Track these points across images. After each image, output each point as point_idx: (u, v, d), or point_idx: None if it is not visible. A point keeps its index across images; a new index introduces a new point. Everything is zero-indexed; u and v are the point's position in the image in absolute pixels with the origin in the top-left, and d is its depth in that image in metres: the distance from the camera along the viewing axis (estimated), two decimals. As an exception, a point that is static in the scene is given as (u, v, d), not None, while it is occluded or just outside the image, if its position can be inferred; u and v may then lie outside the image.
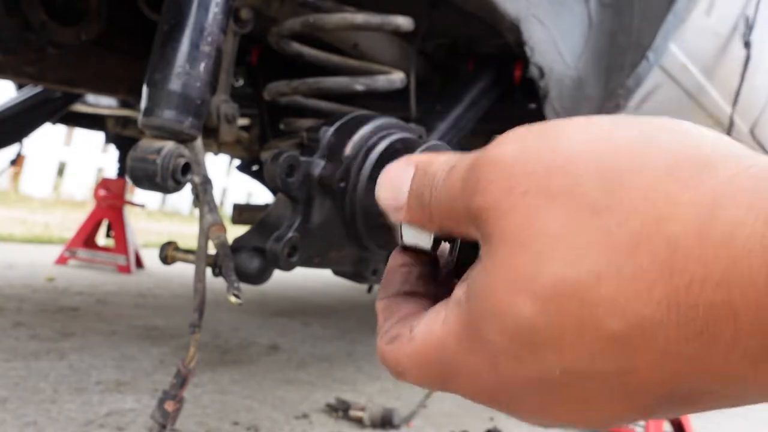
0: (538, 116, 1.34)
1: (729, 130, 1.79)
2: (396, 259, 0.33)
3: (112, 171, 3.84)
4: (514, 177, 0.24)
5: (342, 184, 0.97)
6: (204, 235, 0.89)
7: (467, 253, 0.31)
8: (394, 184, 0.29)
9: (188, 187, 0.89)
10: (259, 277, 0.93)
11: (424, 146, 0.99)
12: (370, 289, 3.05)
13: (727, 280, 0.19)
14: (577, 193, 0.22)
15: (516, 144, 0.25)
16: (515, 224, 0.23)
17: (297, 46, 1.15)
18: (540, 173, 0.23)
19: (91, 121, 2.75)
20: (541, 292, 0.22)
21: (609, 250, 0.21)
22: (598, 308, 0.21)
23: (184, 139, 0.85)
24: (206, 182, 0.90)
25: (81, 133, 7.00)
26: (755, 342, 0.19)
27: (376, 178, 1.08)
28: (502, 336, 0.23)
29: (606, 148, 0.23)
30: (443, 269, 0.34)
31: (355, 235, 1.00)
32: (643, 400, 0.22)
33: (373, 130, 1.00)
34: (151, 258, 3.71)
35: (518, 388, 0.24)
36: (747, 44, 1.54)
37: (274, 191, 1.41)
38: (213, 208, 0.91)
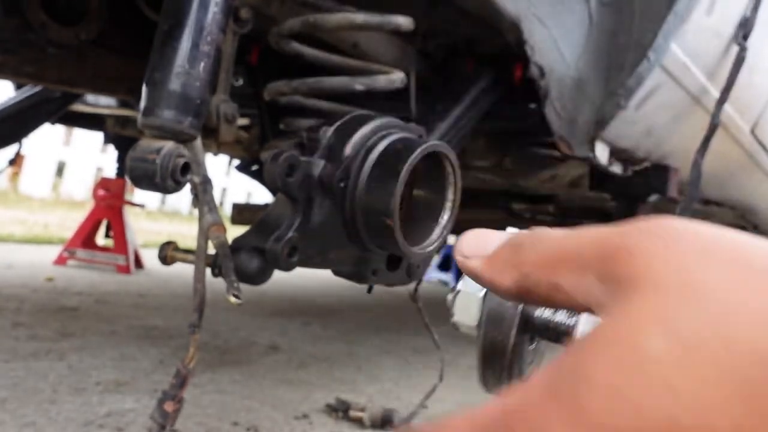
0: (538, 116, 1.34)
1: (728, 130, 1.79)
2: None
3: (111, 171, 3.84)
4: (664, 234, 0.22)
5: (342, 184, 0.97)
6: (204, 235, 0.89)
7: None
8: (482, 234, 0.28)
9: (188, 187, 0.89)
10: (259, 277, 0.93)
11: (424, 146, 0.98)
12: (370, 289, 3.04)
13: None
14: (742, 258, 0.21)
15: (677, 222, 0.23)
16: (659, 270, 0.21)
17: (297, 46, 1.15)
18: (698, 239, 0.22)
19: (91, 121, 2.74)
20: (684, 332, 0.20)
21: (756, 303, 0.20)
22: (735, 353, 0.19)
23: (183, 139, 0.85)
24: (206, 182, 0.90)
25: (80, 133, 7.01)
26: None
27: (376, 178, 1.08)
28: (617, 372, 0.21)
29: None
30: None
31: (355, 235, 1.00)
32: None
33: (373, 130, 1.00)
34: (150, 258, 3.71)
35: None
36: (741, 44, 1.54)
37: (273, 191, 1.41)
38: (213, 208, 0.91)
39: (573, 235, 0.24)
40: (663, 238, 0.22)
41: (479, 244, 0.27)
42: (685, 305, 0.20)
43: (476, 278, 0.28)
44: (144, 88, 0.85)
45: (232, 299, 0.84)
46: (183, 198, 8.40)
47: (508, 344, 0.32)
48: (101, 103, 2.61)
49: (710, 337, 0.20)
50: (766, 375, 0.19)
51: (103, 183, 3.64)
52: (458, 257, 0.28)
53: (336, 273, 1.15)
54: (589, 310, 0.24)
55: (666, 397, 0.20)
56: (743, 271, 0.20)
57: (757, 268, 0.20)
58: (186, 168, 0.85)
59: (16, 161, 2.59)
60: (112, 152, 4.49)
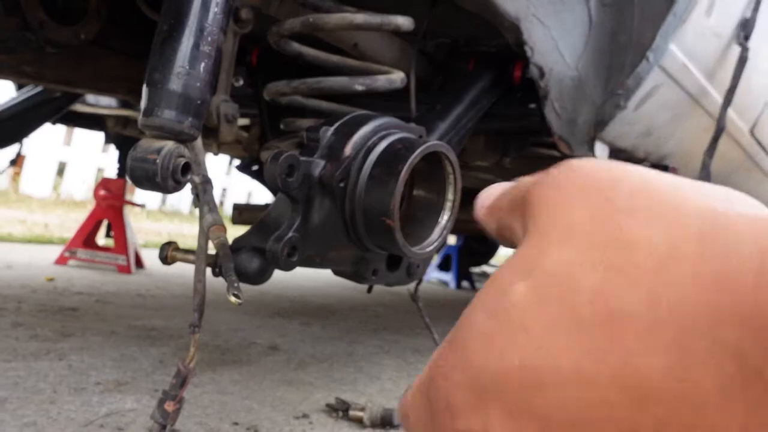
0: (538, 116, 1.34)
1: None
2: None
3: (112, 171, 3.84)
4: (568, 179, 0.24)
5: (342, 184, 0.97)
6: (204, 235, 0.89)
7: None
8: (492, 190, 0.30)
9: (188, 187, 0.89)
10: (259, 277, 0.93)
11: (424, 146, 0.99)
12: (370, 289, 3.04)
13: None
14: (609, 197, 0.22)
15: (590, 161, 0.25)
16: (542, 217, 0.24)
17: (297, 46, 1.15)
18: (579, 178, 0.24)
19: (91, 121, 2.75)
20: (537, 275, 0.22)
21: (613, 244, 0.21)
22: (578, 296, 0.21)
23: (184, 139, 0.85)
24: (206, 182, 0.90)
25: (81, 133, 7.01)
26: None
27: (376, 178, 1.08)
28: (489, 317, 0.23)
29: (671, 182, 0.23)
30: None
31: (355, 235, 1.00)
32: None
33: (373, 130, 1.00)
34: (151, 258, 3.72)
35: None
36: (742, 45, 1.54)
37: (274, 191, 1.41)
38: (213, 208, 0.91)
39: (525, 180, 0.27)
40: (555, 183, 0.24)
41: (490, 195, 0.30)
42: (548, 249, 0.22)
43: (482, 225, 0.30)
44: (144, 88, 0.85)
45: (233, 299, 0.84)
46: (183, 198, 8.40)
47: None
48: (102, 103, 2.61)
49: (560, 280, 0.21)
50: (602, 317, 0.20)
51: (103, 183, 3.64)
52: (476, 209, 0.30)
53: (336, 273, 1.16)
54: None
55: (521, 339, 0.22)
56: (609, 210, 0.22)
57: (621, 206, 0.22)
58: (186, 168, 0.85)
59: (16, 161, 2.60)
60: (112, 152, 4.50)
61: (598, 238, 0.22)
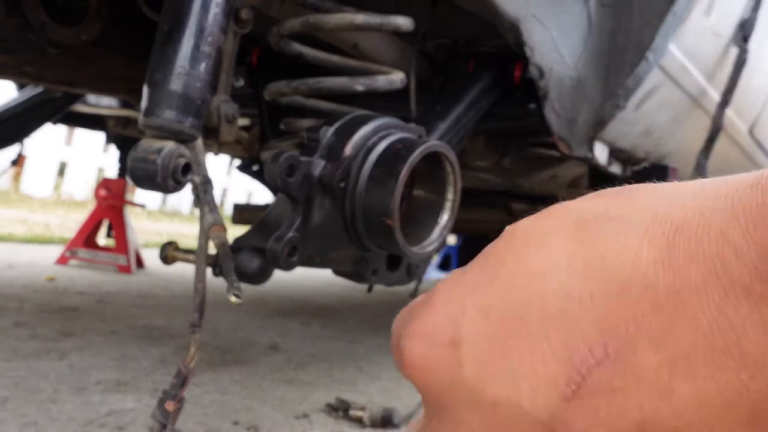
0: (538, 116, 1.34)
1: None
2: None
3: (112, 171, 3.84)
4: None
5: (342, 184, 0.97)
6: (204, 235, 0.89)
7: None
8: None
9: (189, 187, 0.89)
10: (259, 276, 0.93)
11: (423, 146, 0.99)
12: (370, 289, 3.05)
13: None
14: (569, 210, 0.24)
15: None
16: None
17: (297, 46, 1.16)
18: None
19: (92, 122, 2.75)
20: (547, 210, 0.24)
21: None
22: (582, 211, 0.22)
23: (184, 139, 0.85)
24: (206, 182, 0.91)
25: (81, 133, 7.01)
26: None
27: (376, 178, 1.08)
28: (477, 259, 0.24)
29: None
30: None
31: (355, 235, 1.01)
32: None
33: (373, 130, 1.01)
34: (151, 258, 3.72)
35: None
36: (741, 46, 1.54)
37: (274, 191, 1.41)
38: (213, 208, 0.91)
39: None
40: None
41: None
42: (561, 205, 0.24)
43: None
44: (145, 89, 0.85)
45: (233, 299, 0.84)
46: (184, 198, 8.40)
47: None
48: (103, 103, 2.61)
49: (561, 207, 0.23)
50: (594, 219, 0.21)
51: (104, 183, 3.65)
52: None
53: (336, 273, 1.16)
54: None
55: (514, 246, 0.23)
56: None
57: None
58: (187, 168, 0.85)
59: (17, 161, 2.60)
60: (113, 152, 4.50)
61: (613, 194, 0.23)
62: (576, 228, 0.21)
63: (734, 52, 1.58)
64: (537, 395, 0.20)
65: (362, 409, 1.54)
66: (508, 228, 0.24)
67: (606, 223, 0.21)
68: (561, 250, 0.21)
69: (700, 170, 1.55)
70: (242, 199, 8.40)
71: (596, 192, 0.23)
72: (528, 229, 0.23)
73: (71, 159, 7.57)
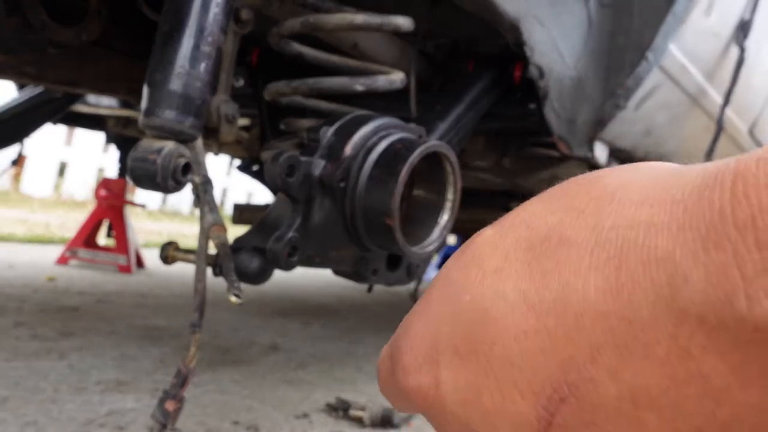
0: (538, 116, 1.34)
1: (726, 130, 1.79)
2: None
3: (112, 171, 3.84)
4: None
5: (342, 184, 0.97)
6: (204, 235, 0.89)
7: None
8: None
9: (189, 187, 0.89)
10: (260, 276, 0.94)
11: (423, 146, 0.99)
12: (370, 289, 3.05)
13: None
14: (584, 181, 0.23)
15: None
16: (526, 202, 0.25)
17: (297, 46, 1.16)
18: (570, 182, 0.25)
19: (92, 122, 2.75)
20: (503, 222, 0.24)
21: (578, 196, 0.22)
22: (534, 232, 0.22)
23: (184, 139, 0.85)
24: (207, 182, 0.91)
25: (82, 133, 7.01)
26: None
27: (376, 178, 1.08)
28: (451, 262, 0.25)
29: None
30: None
31: (355, 235, 1.01)
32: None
33: (373, 130, 1.01)
34: (151, 258, 3.72)
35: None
36: (740, 46, 1.55)
37: (274, 191, 1.41)
38: (213, 208, 0.91)
39: None
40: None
41: None
42: (519, 208, 0.24)
43: None
44: (145, 89, 0.85)
45: (233, 299, 0.84)
46: (184, 198, 8.40)
47: None
48: (103, 103, 2.61)
49: (522, 223, 0.23)
50: (552, 246, 0.21)
51: (104, 183, 3.65)
52: None
53: (336, 273, 1.16)
54: None
55: (474, 275, 0.23)
56: (580, 182, 0.23)
57: (593, 179, 0.23)
58: (187, 168, 0.85)
59: (18, 161, 2.60)
60: (113, 152, 4.50)
61: (567, 195, 0.22)
62: (527, 257, 0.21)
63: (734, 52, 1.58)
64: None
65: (362, 409, 1.54)
66: (467, 251, 0.24)
67: (555, 250, 0.20)
68: (515, 288, 0.21)
69: None
70: (242, 199, 8.40)
71: (554, 190, 0.23)
72: (483, 262, 0.23)
73: (71, 159, 7.57)
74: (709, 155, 1.57)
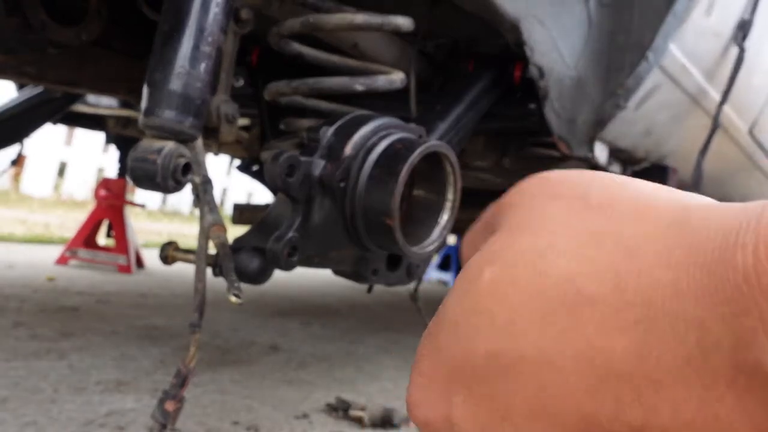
0: (538, 116, 1.34)
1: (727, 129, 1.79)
2: None
3: (112, 171, 3.84)
4: (541, 185, 0.25)
5: (342, 184, 0.97)
6: (204, 235, 0.89)
7: None
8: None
9: (189, 187, 0.89)
10: (259, 276, 0.93)
11: (423, 146, 0.99)
12: (370, 289, 3.05)
13: None
14: (582, 196, 0.23)
15: (559, 171, 0.26)
16: (514, 215, 0.24)
17: (297, 46, 1.15)
18: (552, 184, 0.24)
19: (92, 122, 2.75)
20: (506, 260, 0.23)
21: (583, 234, 0.21)
22: (545, 280, 0.21)
23: (184, 139, 0.85)
24: (206, 182, 0.91)
25: (81, 133, 7.01)
26: None
27: (376, 178, 1.08)
28: (458, 304, 0.24)
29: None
30: None
31: (355, 235, 1.01)
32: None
33: (373, 130, 1.01)
34: (151, 258, 3.72)
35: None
36: (740, 46, 1.54)
37: (274, 191, 1.41)
38: (213, 208, 0.91)
39: (496, 201, 0.28)
40: (527, 189, 0.25)
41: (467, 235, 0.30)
42: (519, 237, 0.23)
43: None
44: (145, 89, 0.85)
45: (233, 299, 0.84)
46: (184, 198, 8.40)
47: None
48: (103, 103, 2.61)
49: (528, 265, 0.22)
50: (569, 300, 0.20)
51: (104, 183, 3.65)
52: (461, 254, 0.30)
53: (336, 273, 1.16)
54: None
55: (486, 325, 0.22)
56: (581, 207, 0.22)
57: (594, 204, 0.22)
58: (187, 168, 0.85)
59: (17, 161, 2.60)
60: (113, 152, 4.50)
61: (569, 229, 0.22)
62: (542, 311, 0.21)
63: (734, 52, 1.58)
64: None
65: (362, 409, 1.54)
66: (468, 288, 0.23)
67: (574, 307, 0.20)
68: (533, 345, 0.21)
69: (697, 169, 1.55)
70: (242, 199, 8.40)
71: (539, 215, 0.23)
72: (491, 304, 0.22)
73: (71, 159, 7.57)
74: (703, 153, 1.57)
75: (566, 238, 0.22)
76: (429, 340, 0.25)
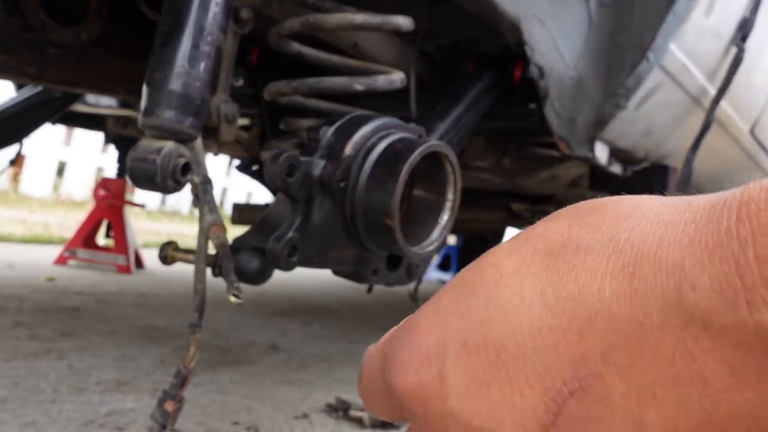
0: (538, 116, 1.34)
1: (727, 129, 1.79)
2: None
3: (111, 171, 3.84)
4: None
5: (342, 184, 0.97)
6: (204, 235, 0.89)
7: None
8: None
9: (188, 187, 0.89)
10: (259, 277, 0.93)
11: (423, 146, 0.99)
12: (370, 289, 3.05)
13: None
14: (597, 205, 0.24)
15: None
16: (539, 223, 0.26)
17: (297, 46, 1.15)
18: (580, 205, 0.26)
19: (91, 121, 2.75)
20: (519, 236, 0.25)
21: (593, 214, 0.23)
22: (551, 241, 0.23)
23: (184, 139, 0.85)
24: (206, 182, 0.91)
25: (81, 133, 7.01)
26: None
27: (376, 178, 1.08)
28: (468, 271, 0.26)
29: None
30: None
31: (355, 235, 1.00)
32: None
33: (373, 130, 1.01)
34: (151, 258, 3.72)
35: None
36: (738, 45, 1.54)
37: (274, 191, 1.41)
38: (213, 208, 0.91)
39: None
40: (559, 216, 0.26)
41: None
42: (535, 225, 0.25)
43: None
44: (144, 89, 0.85)
45: (233, 299, 0.84)
46: (183, 198, 8.40)
47: None
48: (102, 103, 2.61)
49: (538, 236, 0.24)
50: (569, 251, 0.22)
51: (103, 183, 3.64)
52: None
53: (336, 273, 1.16)
54: None
55: (490, 275, 0.24)
56: (594, 204, 0.24)
57: (608, 205, 0.24)
58: (186, 168, 0.85)
59: (16, 161, 2.59)
60: (112, 152, 4.50)
61: (581, 215, 0.24)
62: (544, 261, 0.23)
63: (735, 52, 1.58)
64: (518, 426, 0.21)
65: (362, 409, 1.54)
66: (483, 259, 0.25)
67: (572, 255, 0.22)
68: (532, 288, 0.22)
69: (686, 166, 1.55)
70: (242, 199, 8.40)
71: (567, 210, 0.25)
72: (500, 264, 0.24)
73: (70, 159, 7.57)
74: (694, 149, 1.56)
75: (576, 217, 0.24)
76: (430, 300, 0.26)
